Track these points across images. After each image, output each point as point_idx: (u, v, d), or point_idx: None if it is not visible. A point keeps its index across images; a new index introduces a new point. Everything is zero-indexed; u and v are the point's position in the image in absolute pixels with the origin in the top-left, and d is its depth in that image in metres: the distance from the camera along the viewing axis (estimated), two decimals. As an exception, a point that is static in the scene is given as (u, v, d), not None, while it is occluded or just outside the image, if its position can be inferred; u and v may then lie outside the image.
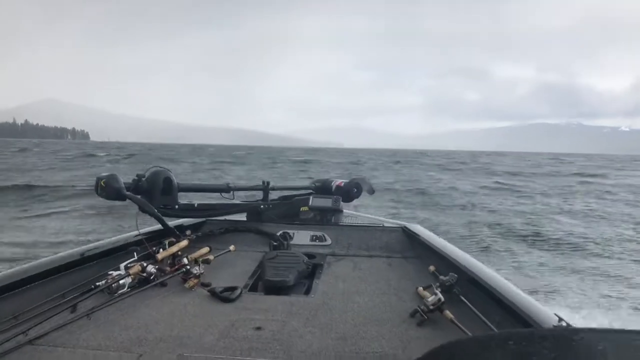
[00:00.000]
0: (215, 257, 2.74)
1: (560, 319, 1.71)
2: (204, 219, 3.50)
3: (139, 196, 2.96)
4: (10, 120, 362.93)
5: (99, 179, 2.87)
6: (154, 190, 3.06)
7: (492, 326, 1.90)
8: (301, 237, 3.36)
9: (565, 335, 0.48)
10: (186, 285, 2.50)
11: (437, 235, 3.27)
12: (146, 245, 2.72)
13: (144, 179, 3.04)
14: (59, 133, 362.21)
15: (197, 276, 2.53)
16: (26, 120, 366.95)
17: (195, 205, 3.37)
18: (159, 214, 3.01)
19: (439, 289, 2.19)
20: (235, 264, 2.92)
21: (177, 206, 3.20)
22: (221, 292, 2.38)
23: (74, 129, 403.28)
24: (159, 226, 3.09)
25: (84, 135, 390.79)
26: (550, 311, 1.84)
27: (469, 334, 1.84)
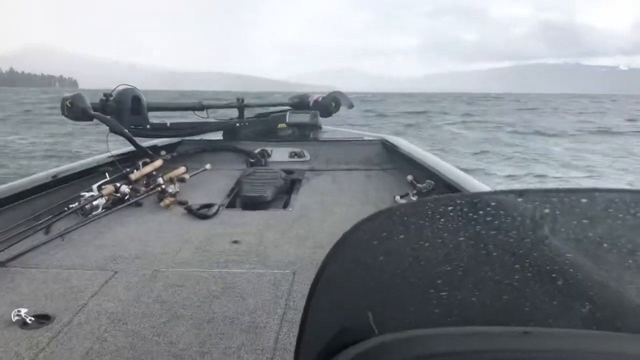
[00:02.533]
0: (191, 176, 2.74)
1: None
2: (179, 139, 3.39)
3: (107, 117, 2.88)
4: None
5: (64, 100, 2.80)
6: (123, 110, 2.97)
7: None
8: (279, 154, 3.33)
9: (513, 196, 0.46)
10: (162, 204, 2.48)
11: (417, 146, 3.26)
12: (119, 166, 2.70)
13: (111, 98, 2.96)
14: (47, 81, 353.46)
15: (173, 195, 2.52)
16: (11, 68, 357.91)
17: (168, 124, 3.28)
18: (130, 134, 2.93)
19: (416, 196, 2.22)
20: (213, 182, 2.89)
21: (148, 126, 3.12)
22: (198, 209, 2.37)
23: (61, 76, 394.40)
24: (131, 147, 3.01)
25: (72, 83, 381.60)
26: None
27: None
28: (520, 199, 0.46)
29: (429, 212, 0.47)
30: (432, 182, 2.29)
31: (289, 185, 2.82)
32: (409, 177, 2.68)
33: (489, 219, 0.45)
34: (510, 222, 0.45)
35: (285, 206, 2.55)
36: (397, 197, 2.38)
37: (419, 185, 2.33)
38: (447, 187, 2.33)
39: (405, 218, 0.50)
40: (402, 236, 0.49)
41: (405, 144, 3.29)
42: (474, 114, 30.35)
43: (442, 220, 0.46)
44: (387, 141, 3.39)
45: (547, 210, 0.44)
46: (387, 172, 3.12)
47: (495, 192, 0.51)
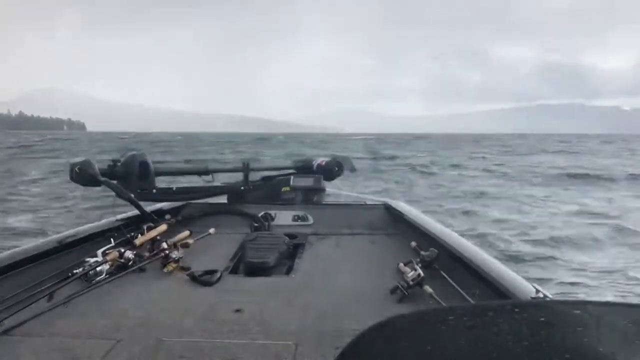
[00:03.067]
0: (195, 241, 2.74)
1: (538, 290, 1.73)
2: (183, 203, 3.43)
3: (114, 181, 2.94)
4: (5, 112, 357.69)
5: (73, 165, 2.85)
6: (131, 175, 3.03)
7: (469, 299, 1.91)
8: (283, 218, 3.34)
9: (510, 309, 0.47)
10: (165, 270, 2.48)
11: (420, 211, 3.28)
12: (123, 231, 2.72)
13: (119, 163, 3.02)
14: (55, 124, 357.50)
15: (176, 260, 2.52)
16: (20, 112, 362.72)
17: (174, 188, 3.34)
18: (136, 199, 2.98)
19: (420, 265, 2.20)
20: (216, 247, 2.90)
21: (154, 190, 3.18)
22: (201, 275, 2.37)
23: (69, 119, 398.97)
24: (136, 211, 3.04)
25: (80, 126, 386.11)
26: (528, 283, 1.86)
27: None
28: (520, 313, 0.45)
29: (430, 325, 0.46)
30: (436, 251, 2.28)
31: (293, 250, 2.81)
32: (413, 244, 2.67)
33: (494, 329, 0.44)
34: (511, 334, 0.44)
35: (288, 272, 2.54)
36: (401, 265, 2.36)
37: (422, 252, 2.33)
38: (451, 256, 2.33)
39: (405, 333, 0.49)
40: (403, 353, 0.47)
41: (408, 209, 3.29)
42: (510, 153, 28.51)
43: (444, 332, 0.45)
44: (390, 205, 3.41)
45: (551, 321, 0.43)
46: (391, 238, 3.10)
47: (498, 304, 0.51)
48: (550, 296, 1.70)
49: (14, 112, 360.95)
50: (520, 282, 1.90)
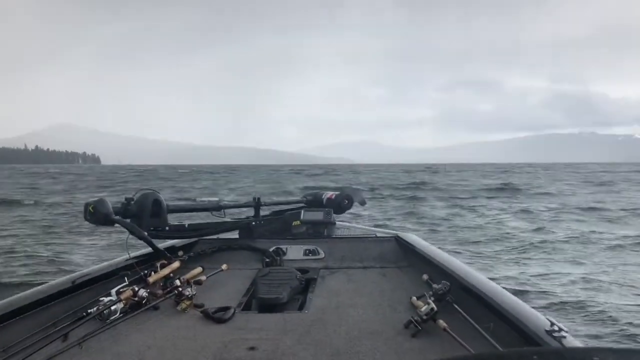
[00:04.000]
0: (207, 277, 2.75)
1: (553, 324, 1.72)
2: (195, 239, 3.47)
3: (128, 220, 2.97)
4: (22, 147, 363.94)
5: (87, 205, 2.88)
6: (143, 213, 3.05)
7: (484, 333, 1.90)
8: (294, 252, 3.33)
9: (555, 353, 0.47)
10: (179, 307, 2.48)
11: (431, 243, 3.27)
12: (137, 269, 2.72)
13: (132, 202, 3.05)
14: (70, 158, 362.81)
15: (190, 298, 2.52)
16: (37, 146, 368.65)
17: (186, 225, 3.36)
18: (149, 237, 3.00)
19: (432, 298, 2.19)
20: (228, 283, 2.90)
21: (167, 228, 3.20)
22: (214, 312, 2.37)
23: (84, 153, 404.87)
24: (150, 249, 3.06)
25: (95, 160, 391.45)
26: (542, 316, 1.85)
27: (462, 342, 1.85)
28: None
29: None
30: (448, 284, 2.26)
31: (305, 285, 2.80)
32: (425, 277, 2.65)
33: None
34: None
35: (301, 308, 2.53)
36: (414, 299, 2.36)
37: (434, 285, 2.31)
38: (463, 289, 2.31)
39: None
40: None
41: (418, 241, 3.27)
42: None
43: None
44: (400, 237, 3.39)
45: None
46: (402, 271, 3.09)
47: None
48: (565, 329, 1.69)
49: (31, 147, 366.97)
50: (535, 315, 1.88)
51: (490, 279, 2.44)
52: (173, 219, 3.33)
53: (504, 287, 2.26)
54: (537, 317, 1.84)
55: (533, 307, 1.98)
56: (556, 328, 1.68)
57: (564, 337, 1.66)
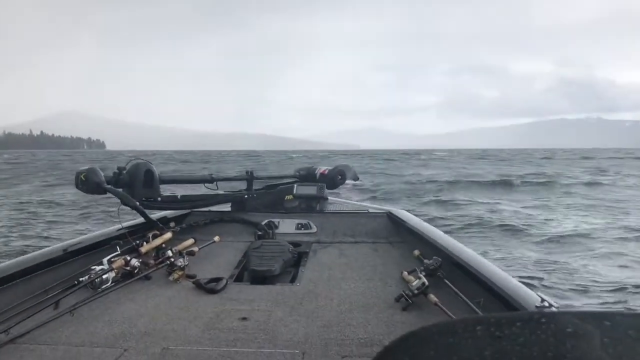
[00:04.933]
0: (200, 249, 2.75)
1: (543, 300, 1.74)
2: (188, 211, 3.45)
3: (120, 189, 2.95)
4: (27, 132, 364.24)
5: (78, 173, 2.87)
6: (135, 183, 3.04)
7: (475, 308, 1.92)
8: (286, 226, 3.35)
9: (538, 319, 0.48)
10: (171, 277, 2.49)
11: (422, 220, 3.28)
12: (129, 239, 2.72)
13: (124, 172, 3.03)
14: (75, 143, 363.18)
15: (182, 268, 2.52)
16: (42, 132, 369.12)
17: (179, 197, 3.35)
18: (141, 207, 3.00)
19: (424, 273, 2.20)
20: (221, 254, 2.90)
21: (159, 198, 3.18)
22: (206, 283, 2.37)
23: (89, 138, 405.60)
24: (142, 219, 3.06)
25: (100, 145, 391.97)
26: (532, 292, 1.87)
27: (452, 316, 1.86)
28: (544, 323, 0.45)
29: (458, 335, 0.47)
30: (439, 259, 2.28)
31: (297, 258, 2.80)
32: (416, 252, 2.67)
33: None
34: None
35: (292, 280, 2.53)
36: (405, 273, 2.37)
37: (426, 261, 2.33)
38: (454, 264, 2.32)
39: (432, 343, 0.50)
40: None
41: (411, 217, 3.28)
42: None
43: (471, 343, 0.46)
44: (392, 214, 3.39)
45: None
46: (394, 246, 3.10)
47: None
48: (555, 305, 1.71)
49: (36, 133, 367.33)
50: (524, 291, 1.89)
51: (482, 255, 2.43)
52: (165, 191, 3.28)
53: (495, 264, 2.26)
54: (527, 293, 1.86)
55: (522, 283, 2.00)
56: (546, 304, 1.71)
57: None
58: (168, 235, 2.83)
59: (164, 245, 2.71)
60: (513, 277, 2.08)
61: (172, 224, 3.13)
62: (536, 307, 1.72)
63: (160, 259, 2.55)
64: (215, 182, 3.54)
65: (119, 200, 2.90)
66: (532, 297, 1.80)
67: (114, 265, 2.36)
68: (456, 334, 0.48)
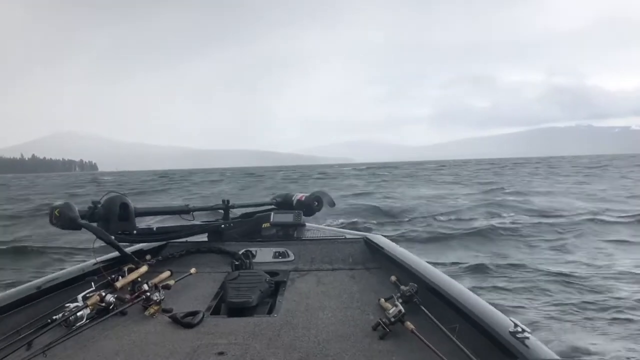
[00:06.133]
0: (176, 281, 2.72)
1: (516, 325, 1.76)
2: (164, 242, 3.43)
3: (94, 224, 2.93)
4: (18, 156, 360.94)
5: (53, 209, 2.82)
6: (111, 217, 3.00)
7: (450, 335, 1.92)
8: (264, 255, 3.32)
9: None
10: (146, 312, 2.44)
11: (398, 244, 3.29)
12: (104, 273, 2.70)
13: (99, 205, 3.00)
14: (67, 165, 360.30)
15: (158, 302, 2.48)
16: (33, 155, 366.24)
17: (154, 229, 3.33)
18: (116, 241, 2.97)
19: (400, 300, 2.21)
20: (197, 287, 2.87)
21: (135, 231, 3.16)
22: (183, 317, 2.34)
23: (81, 160, 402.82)
24: (117, 253, 3.03)
25: (92, 167, 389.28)
26: (506, 317, 1.90)
27: (429, 344, 1.86)
28: None
29: None
30: (415, 285, 2.28)
31: (274, 288, 2.78)
32: (393, 278, 2.64)
33: None
34: None
35: (270, 311, 2.51)
36: (382, 300, 2.38)
37: (402, 287, 2.33)
38: (430, 290, 2.33)
39: None
40: None
41: (387, 243, 3.28)
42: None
43: None
44: (368, 239, 3.39)
45: None
46: (371, 272, 3.09)
47: None
48: (529, 331, 1.72)
49: (27, 156, 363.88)
50: (499, 316, 1.91)
51: (458, 281, 2.46)
52: (141, 224, 3.25)
53: (470, 290, 2.28)
54: (501, 318, 1.88)
55: (497, 309, 2.03)
56: (519, 329, 1.73)
57: (527, 337, 1.70)
58: (144, 268, 2.80)
59: (139, 279, 2.67)
60: (488, 302, 2.11)
61: (148, 257, 3.09)
62: (509, 332, 1.74)
63: (136, 294, 2.51)
64: (191, 213, 3.50)
65: (94, 236, 2.87)
66: (506, 323, 1.82)
67: (89, 302, 2.30)
68: None
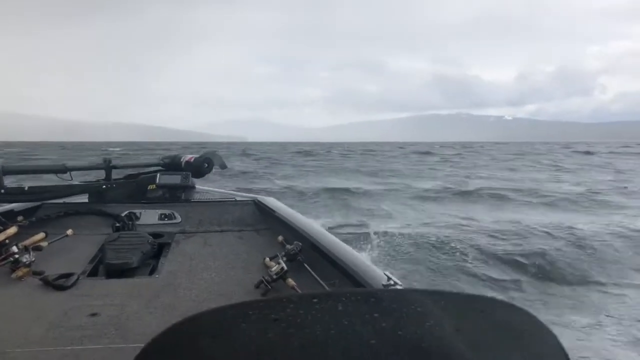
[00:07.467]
0: (50, 243, 2.55)
1: (389, 278, 1.84)
2: (38, 203, 3.18)
3: None
4: None
5: None
6: None
7: (327, 289, 1.97)
8: (149, 217, 3.20)
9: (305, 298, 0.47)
10: (14, 275, 2.26)
11: (289, 207, 3.32)
12: None
13: None
14: None
15: (28, 265, 2.31)
16: None
17: (26, 188, 3.07)
18: None
19: (284, 258, 2.23)
20: (74, 249, 2.71)
21: (2, 190, 2.93)
22: (55, 279, 2.20)
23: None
24: None
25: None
26: (381, 271, 1.97)
27: None
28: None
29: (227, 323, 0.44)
30: (300, 244, 2.33)
31: (158, 250, 2.70)
32: (280, 238, 2.70)
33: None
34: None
35: (151, 273, 2.44)
36: (267, 260, 2.40)
37: (287, 246, 2.38)
38: (313, 249, 2.40)
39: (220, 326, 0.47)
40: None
41: (277, 205, 3.34)
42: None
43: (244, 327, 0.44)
44: (259, 201, 3.41)
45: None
46: (259, 233, 3.12)
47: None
48: (400, 283, 1.82)
49: None
50: (373, 270, 2.01)
51: (340, 239, 2.58)
52: (11, 183, 3.08)
53: (351, 247, 2.42)
54: (376, 272, 1.98)
55: (373, 264, 2.17)
56: (392, 282, 1.82)
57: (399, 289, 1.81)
58: (12, 230, 2.60)
59: (7, 241, 2.49)
60: (365, 258, 2.24)
61: (19, 218, 2.86)
62: (383, 285, 1.83)
63: (2, 256, 2.34)
64: (69, 172, 3.27)
65: None
66: (379, 276, 1.92)
67: (-50, 266, 2.12)
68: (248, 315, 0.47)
